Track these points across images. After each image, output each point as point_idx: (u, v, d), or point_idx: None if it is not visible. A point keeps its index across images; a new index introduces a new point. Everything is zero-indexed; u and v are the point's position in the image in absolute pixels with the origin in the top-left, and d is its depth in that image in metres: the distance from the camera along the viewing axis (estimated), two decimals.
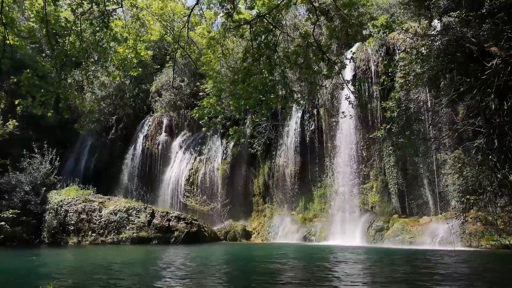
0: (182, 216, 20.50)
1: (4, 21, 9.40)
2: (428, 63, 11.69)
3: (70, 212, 19.75)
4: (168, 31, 13.41)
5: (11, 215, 18.47)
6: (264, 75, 10.19)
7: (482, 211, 15.75)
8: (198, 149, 28.79)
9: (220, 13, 10.30)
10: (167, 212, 20.57)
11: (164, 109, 31.11)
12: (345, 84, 10.49)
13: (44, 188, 20.60)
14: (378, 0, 24.40)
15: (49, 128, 28.84)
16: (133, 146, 31.29)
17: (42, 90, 9.70)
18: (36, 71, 10.17)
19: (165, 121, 31.50)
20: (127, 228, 19.41)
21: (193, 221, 20.47)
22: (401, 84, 14.17)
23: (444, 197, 18.37)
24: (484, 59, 9.95)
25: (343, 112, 12.40)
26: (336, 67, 10.64)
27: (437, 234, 16.60)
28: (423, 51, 12.25)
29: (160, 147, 30.42)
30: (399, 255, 13.77)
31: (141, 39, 13.23)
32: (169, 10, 13.50)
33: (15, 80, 9.82)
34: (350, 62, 11.63)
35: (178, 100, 30.76)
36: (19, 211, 18.79)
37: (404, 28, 14.65)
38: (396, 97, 14.28)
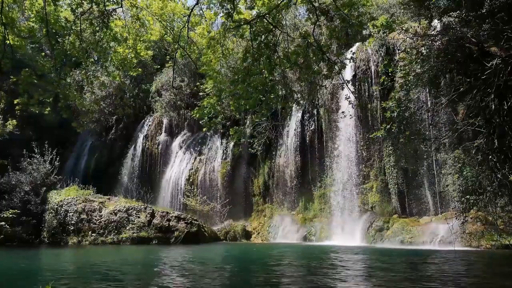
0: (182, 216, 20.49)
1: (4, 21, 9.40)
2: (428, 63, 11.68)
3: (70, 212, 19.74)
4: (168, 31, 13.40)
5: (11, 215, 18.45)
6: (264, 75, 10.19)
7: (482, 211, 15.74)
8: (198, 149, 28.80)
9: (220, 13, 10.29)
10: (167, 212, 20.56)
11: (164, 109, 31.11)
12: (345, 84, 10.49)
13: (44, 188, 20.58)
14: (378, 0, 24.39)
15: (49, 128, 28.85)
16: (133, 146, 31.28)
17: (40, 89, 9.70)
18: (35, 70, 10.16)
19: (165, 121, 31.50)
20: (127, 228, 19.40)
21: (193, 221, 20.46)
22: (401, 84, 14.15)
23: (444, 197, 18.36)
24: (484, 59, 9.95)
25: (343, 112, 12.40)
26: (336, 67, 10.64)
27: (437, 234, 16.60)
28: (423, 51, 12.24)
29: (160, 147, 30.42)
30: (399, 256, 13.77)
31: (141, 39, 13.23)
32: (169, 10, 13.47)
33: (14, 79, 9.83)
34: (350, 62, 11.64)
35: (178, 100, 30.75)
36: (19, 211, 18.77)
37: (404, 28, 14.64)
38: (396, 97, 14.24)
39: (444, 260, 11.87)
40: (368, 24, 18.92)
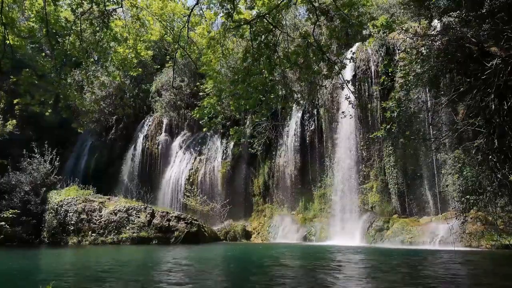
0: (182, 216, 20.49)
1: (4, 21, 9.41)
2: (428, 63, 11.69)
3: (70, 212, 19.74)
4: (168, 31, 13.40)
5: (11, 215, 18.45)
6: (264, 75, 10.20)
7: (482, 211, 15.74)
8: (198, 149, 28.80)
9: (220, 13, 10.30)
10: (167, 212, 20.56)
11: (164, 109, 31.11)
12: (345, 84, 10.49)
13: (44, 188, 20.59)
14: (378, 0, 24.39)
15: (49, 128, 28.87)
16: (133, 146, 31.29)
17: (41, 90, 9.71)
18: (35, 70, 10.17)
19: (165, 121, 31.50)
20: (127, 228, 19.40)
21: (193, 221, 20.46)
22: (401, 84, 14.17)
23: (444, 197, 18.36)
24: (484, 59, 9.96)
25: (343, 112, 12.40)
26: (336, 67, 10.65)
27: (437, 234, 16.60)
28: (423, 51, 12.25)
29: (160, 147, 30.42)
30: (399, 256, 13.77)
31: (141, 39, 13.24)
32: (169, 10, 13.47)
33: (15, 79, 9.83)
34: (350, 62, 11.65)
35: (178, 100, 30.76)
36: (19, 211, 18.78)
37: (404, 28, 14.66)
38: (396, 97, 14.26)
39: (444, 260, 11.87)
40: (368, 24, 18.94)
